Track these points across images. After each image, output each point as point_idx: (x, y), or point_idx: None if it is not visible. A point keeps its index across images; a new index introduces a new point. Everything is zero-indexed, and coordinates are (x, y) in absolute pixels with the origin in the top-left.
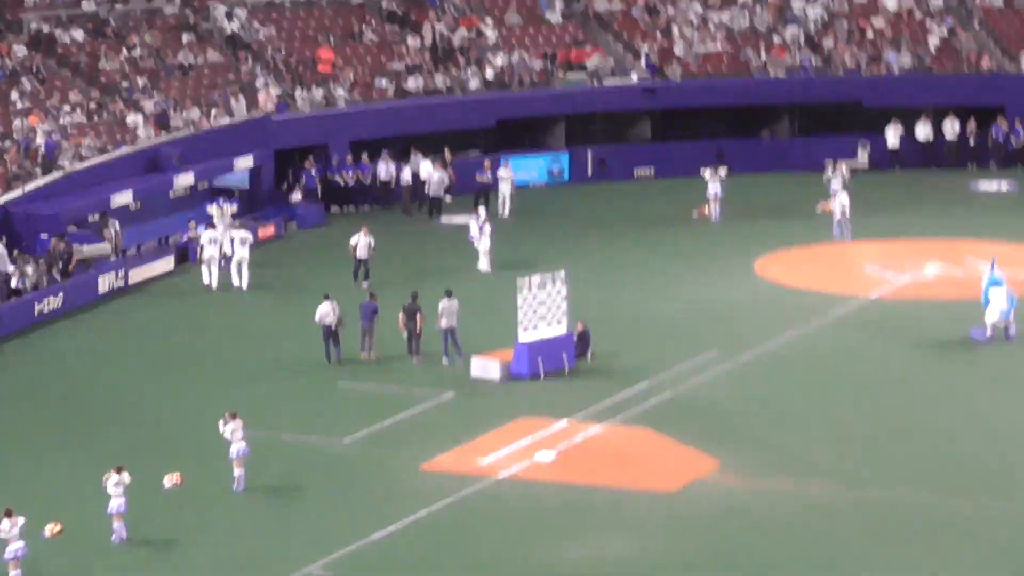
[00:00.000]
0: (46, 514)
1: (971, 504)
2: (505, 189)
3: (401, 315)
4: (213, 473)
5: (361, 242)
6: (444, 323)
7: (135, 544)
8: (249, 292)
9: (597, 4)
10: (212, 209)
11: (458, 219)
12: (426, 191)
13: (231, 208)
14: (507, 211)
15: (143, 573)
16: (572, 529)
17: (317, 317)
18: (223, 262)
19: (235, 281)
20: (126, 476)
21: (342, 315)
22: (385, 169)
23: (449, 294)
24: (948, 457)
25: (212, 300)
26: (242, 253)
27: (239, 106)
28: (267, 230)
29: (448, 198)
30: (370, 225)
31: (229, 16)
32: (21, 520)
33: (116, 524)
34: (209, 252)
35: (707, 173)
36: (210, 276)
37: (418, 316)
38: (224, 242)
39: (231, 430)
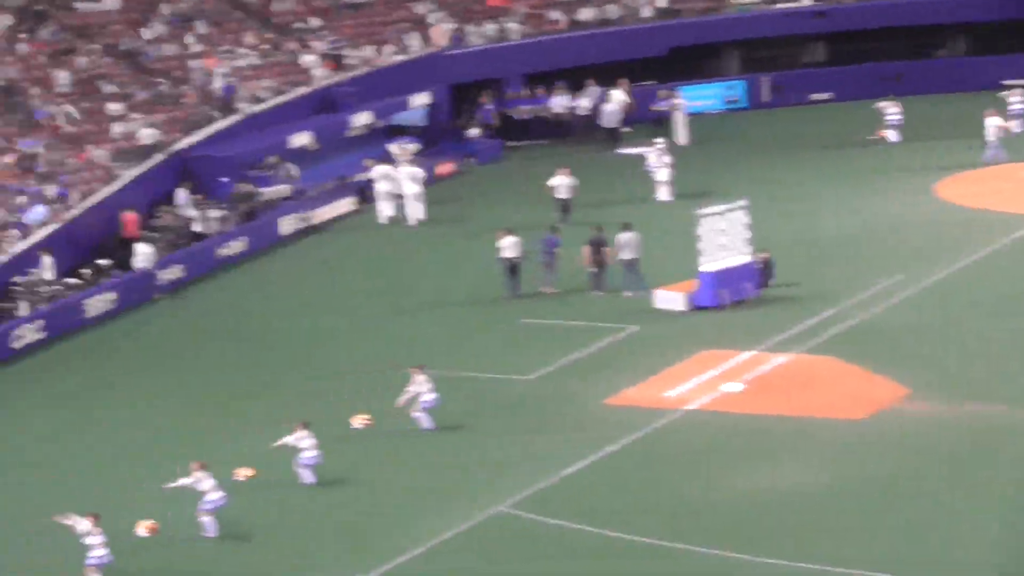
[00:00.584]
0: (238, 459)
1: None
2: (678, 117)
3: (586, 248)
4: (401, 413)
5: (564, 183)
6: (626, 255)
7: (327, 484)
8: (425, 226)
9: None
10: (393, 148)
11: (635, 149)
12: (600, 121)
13: (412, 147)
14: (683, 139)
15: (334, 511)
16: (760, 459)
17: (499, 250)
18: (399, 199)
19: (410, 217)
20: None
21: (524, 250)
22: (559, 101)
23: (628, 226)
24: None
25: (392, 237)
26: (414, 189)
27: (412, 42)
28: (445, 166)
29: (625, 128)
30: (550, 157)
31: None
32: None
33: (304, 472)
34: (383, 187)
35: (883, 102)
36: (385, 212)
37: (604, 249)
38: (400, 179)
39: (417, 382)
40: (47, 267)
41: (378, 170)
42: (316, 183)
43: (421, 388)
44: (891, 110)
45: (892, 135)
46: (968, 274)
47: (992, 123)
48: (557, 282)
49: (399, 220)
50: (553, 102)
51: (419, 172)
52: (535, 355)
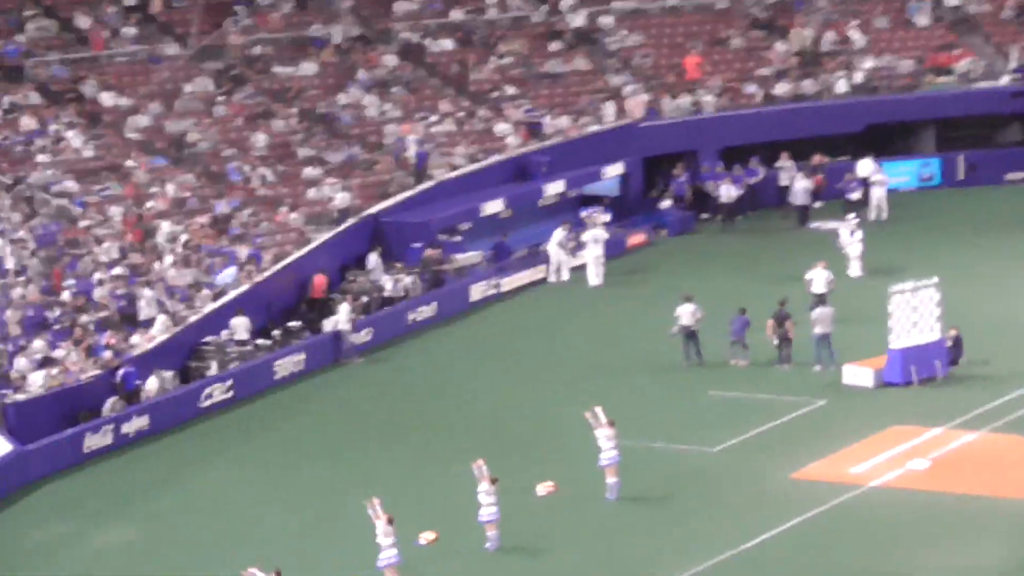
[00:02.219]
0: (421, 521)
1: None
2: (877, 193)
3: (771, 322)
4: (585, 480)
5: (819, 276)
6: (817, 329)
7: (507, 552)
8: (610, 292)
9: (967, 6)
10: (584, 216)
11: (828, 225)
12: (790, 199)
13: (603, 217)
14: (880, 215)
15: None
16: (945, 537)
17: (677, 318)
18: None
19: (591, 280)
20: (494, 486)
21: (701, 317)
22: (753, 175)
23: (821, 301)
24: None
25: (577, 303)
26: (596, 251)
27: (607, 113)
28: (636, 237)
29: (817, 204)
30: (747, 233)
31: (595, 23)
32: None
33: (490, 532)
34: (592, 252)
35: None
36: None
37: (787, 323)
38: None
39: (604, 437)
40: (241, 327)
41: (589, 234)
42: (509, 251)
43: (608, 442)
44: None
45: None
46: None
47: None
48: (748, 355)
49: (581, 281)
50: (746, 176)
51: (601, 234)
52: (720, 427)
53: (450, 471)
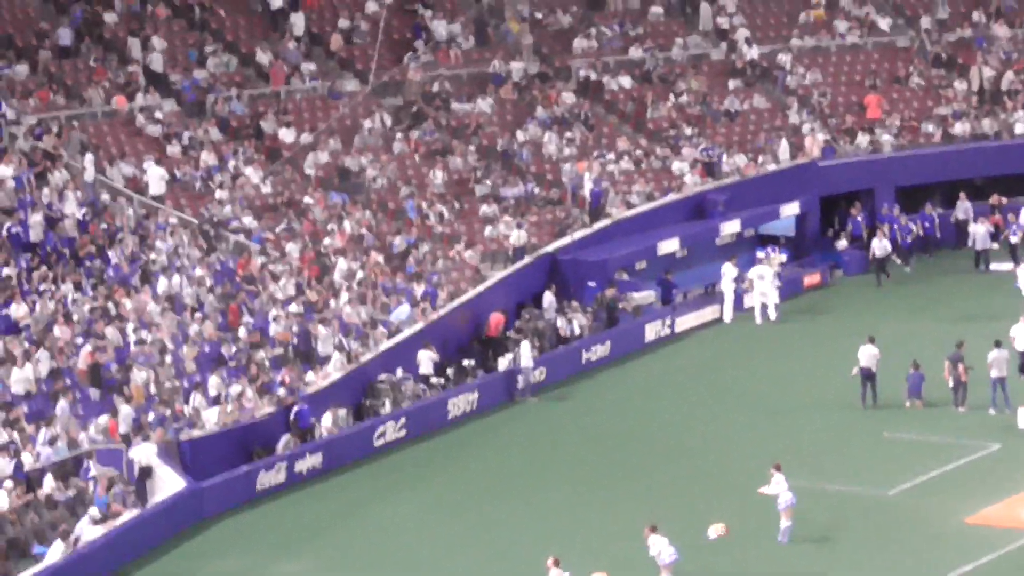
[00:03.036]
0: (594, 562)
1: None
2: None
3: (947, 364)
4: (759, 521)
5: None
6: (994, 372)
7: None
8: (785, 332)
9: None
10: (762, 256)
11: (1007, 266)
12: (971, 244)
13: (780, 257)
14: None
15: None
16: None
17: (858, 360)
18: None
19: (758, 318)
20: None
21: (879, 360)
22: (929, 216)
23: (999, 344)
24: None
25: (755, 343)
26: (761, 288)
27: (785, 152)
28: (813, 277)
29: (995, 245)
30: (924, 274)
31: (778, 62)
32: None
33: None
34: (759, 288)
35: None
36: (755, 313)
37: (960, 366)
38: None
39: (775, 482)
40: (425, 360)
41: (754, 270)
42: (684, 290)
43: (780, 488)
44: None
45: None
46: None
47: None
48: (921, 398)
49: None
50: (920, 221)
51: (767, 271)
52: (895, 469)
53: (622, 509)
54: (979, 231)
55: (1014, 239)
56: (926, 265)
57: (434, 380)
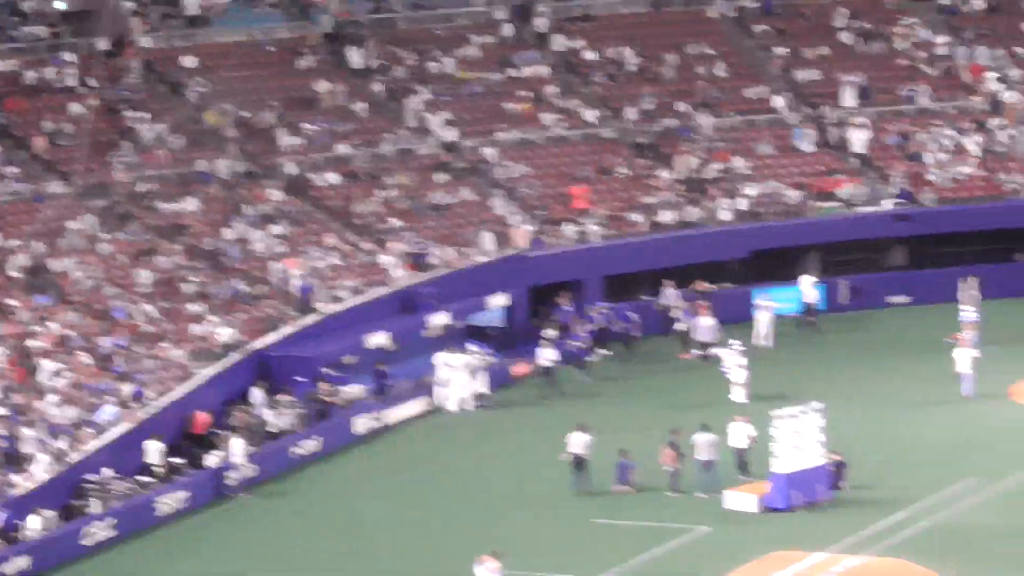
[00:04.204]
0: None
1: None
2: (764, 318)
3: (666, 450)
4: None
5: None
6: (702, 456)
7: None
8: (496, 422)
9: (847, 131)
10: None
11: (713, 351)
12: (692, 334)
13: (487, 359)
14: (767, 341)
15: None
16: None
17: (567, 445)
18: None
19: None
20: None
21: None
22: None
23: (705, 427)
24: None
25: (467, 434)
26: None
27: (492, 243)
28: (521, 367)
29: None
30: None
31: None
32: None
33: None
34: (446, 375)
35: (962, 298)
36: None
37: (670, 451)
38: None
39: (487, 570)
40: (153, 451)
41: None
42: (393, 383)
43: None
44: (968, 311)
45: (972, 338)
46: None
47: (964, 354)
48: (632, 484)
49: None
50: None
51: (461, 362)
52: (604, 554)
53: None
54: (704, 325)
55: (681, 327)
56: (631, 353)
57: (143, 479)
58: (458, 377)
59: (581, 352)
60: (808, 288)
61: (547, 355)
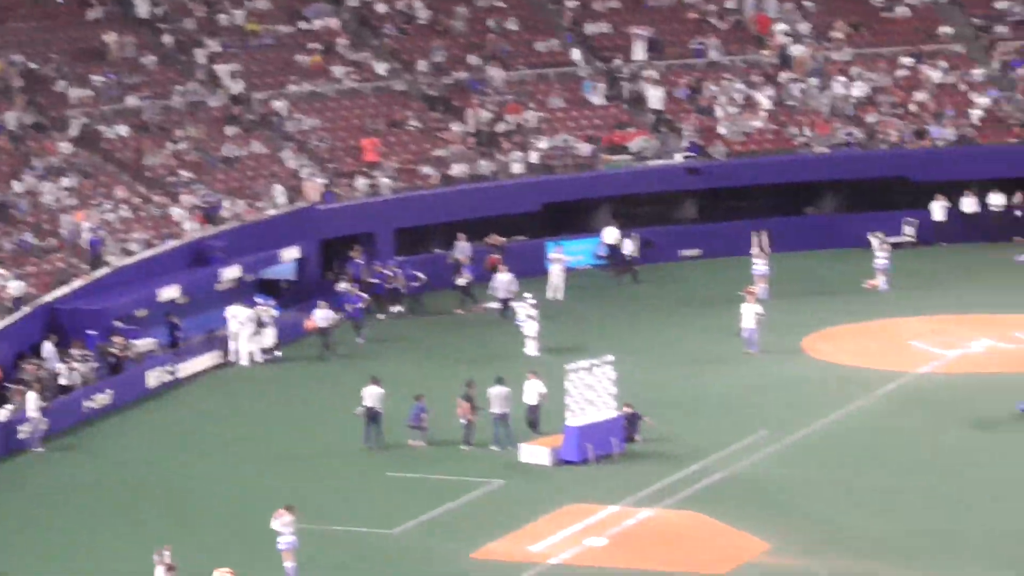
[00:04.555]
0: None
1: None
2: (556, 271)
3: (460, 402)
4: (266, 565)
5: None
6: (496, 409)
7: None
8: (289, 376)
9: (638, 85)
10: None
11: (494, 305)
12: (456, 280)
13: (272, 313)
14: (558, 295)
15: None
16: None
17: (362, 399)
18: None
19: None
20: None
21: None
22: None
23: (500, 380)
24: (1005, 532)
25: (259, 388)
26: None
27: (284, 197)
28: (312, 321)
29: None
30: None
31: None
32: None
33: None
34: (235, 328)
35: (754, 251)
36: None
37: (466, 404)
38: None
39: (282, 523)
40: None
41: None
42: (186, 336)
43: (286, 528)
44: (759, 264)
45: (761, 291)
46: (834, 430)
47: (749, 310)
48: (425, 438)
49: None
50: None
51: (245, 315)
52: (399, 508)
53: (131, 557)
54: (502, 282)
55: (462, 281)
56: (419, 310)
57: None
58: (246, 330)
59: (357, 313)
60: (613, 238)
61: (321, 316)
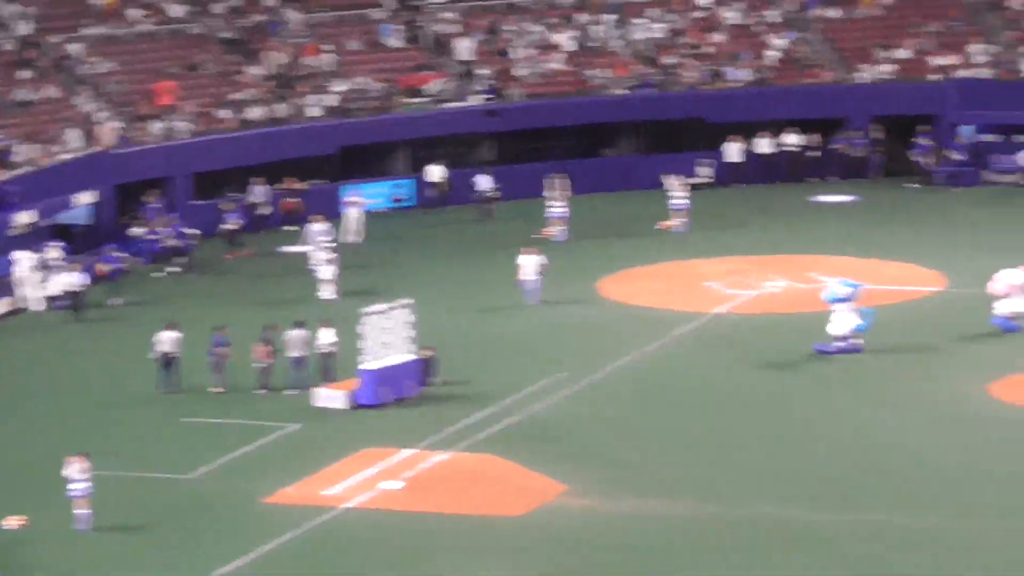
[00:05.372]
0: None
1: (822, 515)
2: (353, 214)
3: (256, 346)
4: (59, 513)
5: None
6: (294, 352)
7: None
8: (82, 322)
9: (437, 27)
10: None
11: (300, 248)
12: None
13: (58, 254)
14: (356, 238)
15: None
16: (419, 557)
17: (154, 344)
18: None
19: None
20: None
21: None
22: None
23: (300, 324)
24: (803, 470)
25: (49, 336)
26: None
27: (78, 140)
28: (107, 266)
29: (289, 227)
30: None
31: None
32: None
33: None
34: (22, 274)
35: (551, 193)
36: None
37: (264, 347)
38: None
39: (75, 471)
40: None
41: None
42: None
43: (80, 474)
44: (556, 206)
45: (558, 233)
46: (631, 371)
47: (529, 261)
48: (223, 382)
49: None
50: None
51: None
52: (194, 453)
53: None
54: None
55: (230, 226)
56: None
57: None
58: (33, 276)
59: (114, 274)
60: (438, 176)
61: (67, 280)
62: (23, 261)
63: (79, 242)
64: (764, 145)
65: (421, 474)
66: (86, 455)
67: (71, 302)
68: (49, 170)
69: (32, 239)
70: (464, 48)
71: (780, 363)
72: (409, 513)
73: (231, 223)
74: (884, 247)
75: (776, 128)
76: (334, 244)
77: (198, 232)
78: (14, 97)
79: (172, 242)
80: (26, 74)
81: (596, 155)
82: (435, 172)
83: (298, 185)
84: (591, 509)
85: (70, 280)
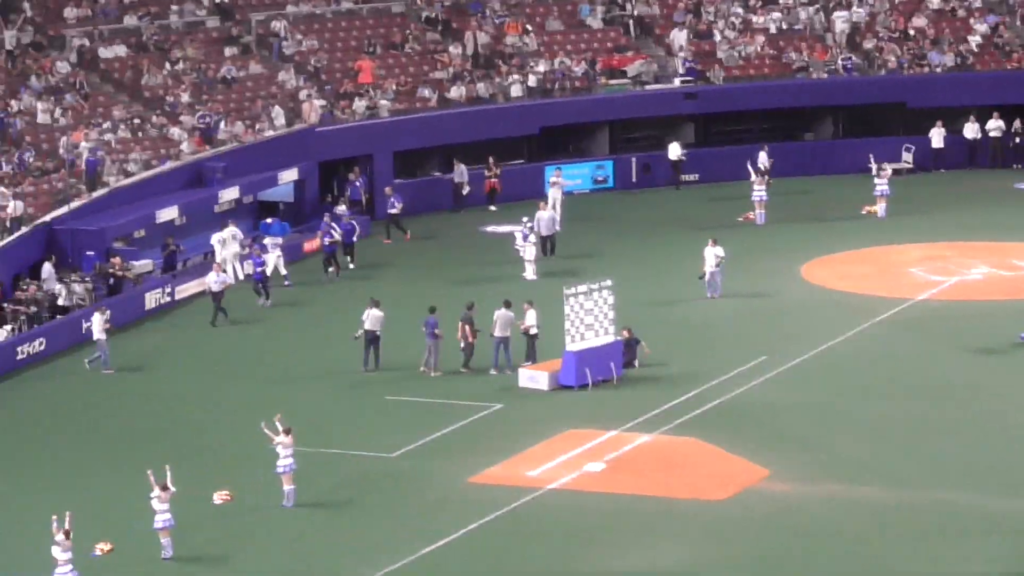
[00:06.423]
0: (96, 532)
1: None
2: (555, 195)
3: (460, 325)
4: (263, 487)
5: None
6: (498, 332)
7: (184, 560)
8: (293, 297)
9: (639, 8)
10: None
11: (503, 228)
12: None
13: (239, 236)
14: (553, 219)
15: None
16: (622, 539)
17: (362, 323)
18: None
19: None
20: (169, 490)
21: (383, 323)
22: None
23: (507, 304)
24: (999, 458)
25: (255, 311)
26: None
27: (282, 118)
28: (313, 242)
29: (492, 207)
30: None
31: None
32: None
33: (164, 540)
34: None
35: (753, 178)
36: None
37: (464, 326)
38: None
39: (282, 445)
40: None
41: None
42: (184, 258)
43: (284, 450)
44: (760, 185)
45: (759, 217)
46: (832, 356)
47: (711, 253)
48: (438, 365)
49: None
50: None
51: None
52: (399, 433)
53: (127, 479)
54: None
55: (394, 211)
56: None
57: None
58: (231, 250)
59: (258, 276)
60: (676, 154)
61: (213, 279)
62: (220, 239)
63: (283, 218)
64: (969, 131)
65: (623, 456)
66: (289, 430)
67: (214, 304)
68: (253, 147)
69: (237, 216)
70: (678, 37)
71: (983, 351)
72: (612, 495)
73: (396, 207)
74: None
75: (979, 114)
76: (532, 225)
77: (358, 226)
78: (220, 74)
79: (336, 236)
80: (231, 51)
81: (797, 138)
82: (675, 149)
83: (498, 166)
84: (793, 495)
85: (213, 278)
